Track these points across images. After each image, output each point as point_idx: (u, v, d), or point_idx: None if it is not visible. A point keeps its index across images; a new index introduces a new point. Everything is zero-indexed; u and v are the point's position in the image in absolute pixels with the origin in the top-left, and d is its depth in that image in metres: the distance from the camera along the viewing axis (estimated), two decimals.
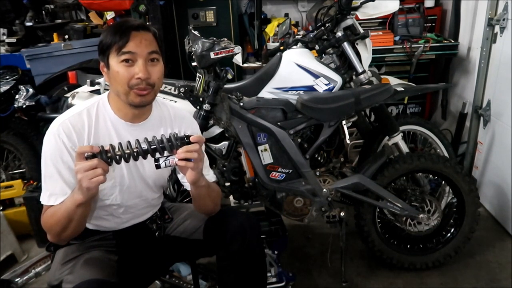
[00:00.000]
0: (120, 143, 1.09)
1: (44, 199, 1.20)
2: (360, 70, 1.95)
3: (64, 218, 1.15)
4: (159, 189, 1.45)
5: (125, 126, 1.28)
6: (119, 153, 1.07)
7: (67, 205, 1.14)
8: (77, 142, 1.20)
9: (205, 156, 1.42)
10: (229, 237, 1.35)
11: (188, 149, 1.11)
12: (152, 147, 1.09)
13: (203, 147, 1.46)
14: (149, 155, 1.10)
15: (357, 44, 1.99)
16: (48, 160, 1.19)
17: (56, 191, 1.19)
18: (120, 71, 1.17)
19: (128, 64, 1.18)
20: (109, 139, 1.26)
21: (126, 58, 1.17)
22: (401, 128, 2.17)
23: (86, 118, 1.23)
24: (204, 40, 1.72)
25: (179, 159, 1.11)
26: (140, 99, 1.21)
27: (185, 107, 1.81)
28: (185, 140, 1.12)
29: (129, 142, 1.10)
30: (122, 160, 1.08)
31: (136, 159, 1.09)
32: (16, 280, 1.98)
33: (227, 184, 1.94)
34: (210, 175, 1.43)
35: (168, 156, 1.11)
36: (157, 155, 1.11)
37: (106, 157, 1.05)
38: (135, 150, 1.08)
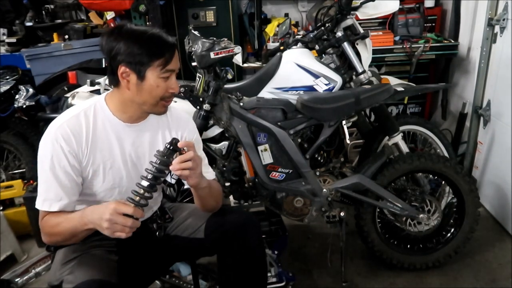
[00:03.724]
0: (128, 197, 1.10)
1: (39, 204, 1.21)
2: (360, 70, 1.95)
3: (69, 233, 1.17)
4: (158, 188, 1.44)
5: (124, 127, 1.28)
6: (133, 204, 1.09)
7: (75, 224, 1.15)
8: (76, 146, 1.21)
9: (203, 154, 1.43)
10: (230, 236, 1.35)
11: (182, 160, 1.13)
12: (151, 178, 1.10)
13: (201, 147, 1.46)
14: (156, 182, 1.11)
15: (357, 44, 1.99)
16: (44, 164, 1.20)
17: (51, 197, 1.19)
18: (160, 85, 1.21)
19: (166, 78, 1.22)
20: (108, 140, 1.26)
21: (168, 75, 1.22)
22: (401, 128, 2.17)
23: (84, 120, 1.24)
24: (204, 40, 1.72)
25: (176, 170, 1.13)
26: (165, 109, 1.29)
27: (185, 107, 1.81)
28: (173, 151, 1.12)
29: (133, 190, 1.11)
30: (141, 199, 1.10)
31: (151, 197, 1.12)
32: (16, 280, 1.98)
33: (227, 184, 1.94)
34: (209, 173, 1.44)
35: (170, 172, 1.13)
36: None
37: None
38: (144, 193, 1.10)
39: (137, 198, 1.09)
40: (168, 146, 1.12)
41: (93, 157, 1.24)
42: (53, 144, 1.19)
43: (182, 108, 1.80)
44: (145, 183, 1.10)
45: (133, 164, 1.32)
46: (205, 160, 1.44)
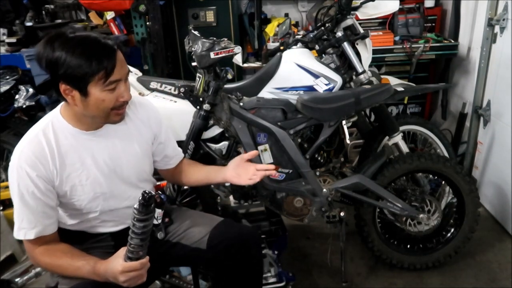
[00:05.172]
0: (127, 255, 1.08)
1: (15, 233, 1.20)
2: (360, 70, 1.95)
3: (73, 272, 1.16)
4: (144, 183, 1.41)
5: (88, 135, 1.24)
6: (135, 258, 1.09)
7: (84, 274, 1.14)
8: (43, 169, 1.16)
9: (170, 136, 1.48)
10: (232, 251, 1.34)
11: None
12: (140, 238, 1.06)
13: (166, 127, 1.47)
14: (145, 236, 1.07)
15: (357, 44, 1.99)
16: (14, 194, 1.17)
17: (24, 225, 1.18)
18: (106, 99, 1.14)
19: (113, 90, 1.14)
20: (76, 153, 1.22)
21: (114, 86, 1.14)
22: (401, 128, 2.17)
23: (44, 140, 1.17)
24: (204, 40, 1.72)
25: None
26: (120, 117, 1.23)
27: (185, 107, 1.81)
28: (149, 206, 1.03)
29: (129, 247, 1.07)
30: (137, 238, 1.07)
31: (147, 244, 1.09)
32: (16, 280, 1.98)
33: (227, 184, 1.94)
34: (180, 154, 1.52)
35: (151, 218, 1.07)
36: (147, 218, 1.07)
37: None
38: (139, 250, 1.08)
39: (135, 253, 1.07)
40: (142, 203, 1.01)
41: (66, 174, 1.20)
42: (18, 172, 1.14)
43: (182, 108, 1.81)
44: (136, 241, 1.06)
45: (110, 168, 1.28)
46: (173, 141, 1.49)
